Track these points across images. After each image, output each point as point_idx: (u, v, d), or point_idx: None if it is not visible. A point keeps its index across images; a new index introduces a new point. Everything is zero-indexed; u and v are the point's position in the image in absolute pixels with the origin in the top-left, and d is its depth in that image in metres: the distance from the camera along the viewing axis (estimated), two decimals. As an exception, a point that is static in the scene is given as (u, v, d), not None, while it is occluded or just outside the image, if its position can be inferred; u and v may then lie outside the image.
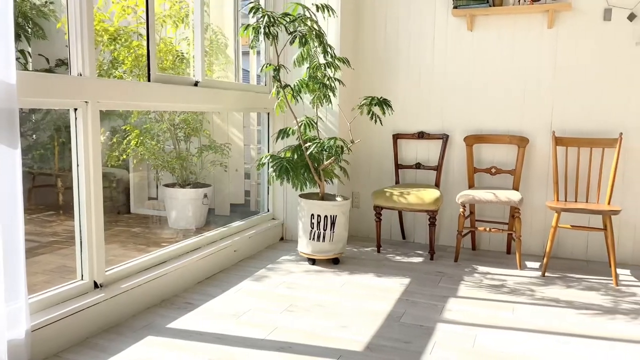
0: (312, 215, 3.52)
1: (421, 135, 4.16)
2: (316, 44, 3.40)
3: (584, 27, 3.68)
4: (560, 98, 3.79)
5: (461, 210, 3.68)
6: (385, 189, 3.85)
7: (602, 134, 3.71)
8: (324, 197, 3.71)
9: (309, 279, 3.33)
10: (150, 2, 2.87)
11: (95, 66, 2.50)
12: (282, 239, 4.27)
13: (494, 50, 3.93)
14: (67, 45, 2.45)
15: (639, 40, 3.56)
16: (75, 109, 2.44)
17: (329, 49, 3.46)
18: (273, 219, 4.26)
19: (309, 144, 3.53)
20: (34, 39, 4.81)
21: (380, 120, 3.55)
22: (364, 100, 3.54)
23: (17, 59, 4.15)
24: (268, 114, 4.17)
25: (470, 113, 4.04)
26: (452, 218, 4.17)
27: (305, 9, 3.40)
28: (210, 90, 3.39)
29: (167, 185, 4.59)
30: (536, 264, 3.70)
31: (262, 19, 3.19)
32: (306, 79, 3.53)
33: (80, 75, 2.44)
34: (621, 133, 3.54)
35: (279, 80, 3.41)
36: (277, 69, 3.37)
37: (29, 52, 4.85)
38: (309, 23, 3.34)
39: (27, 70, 4.72)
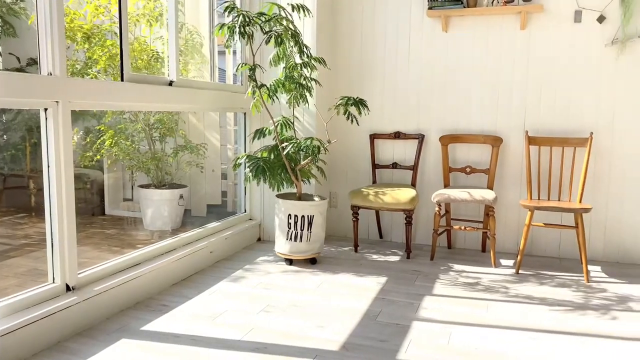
0: (289, 215, 3.51)
1: (397, 135, 4.19)
2: (292, 43, 3.40)
3: (556, 28, 3.75)
4: (533, 98, 3.85)
5: (437, 209, 3.72)
6: (362, 189, 3.87)
7: (573, 134, 3.78)
8: (301, 197, 3.71)
9: (286, 279, 3.32)
10: (122, 1, 2.83)
11: (66, 65, 2.46)
12: (259, 239, 4.26)
13: (468, 50, 3.98)
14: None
15: (608, 41, 3.64)
16: (46, 109, 2.39)
17: (305, 49, 3.46)
18: (250, 219, 4.24)
19: (285, 144, 3.53)
20: (5, 37, 4.70)
21: (356, 120, 3.56)
22: (340, 100, 3.55)
23: (-14, 57, 4.05)
24: (244, 113, 4.15)
25: (445, 113, 4.08)
26: (429, 217, 4.20)
27: (281, 9, 3.40)
28: (185, 90, 3.36)
29: (142, 186, 4.53)
30: (510, 262, 3.75)
31: (237, 19, 3.17)
32: (282, 78, 3.52)
33: (51, 74, 2.40)
34: (592, 133, 3.62)
35: (255, 80, 3.39)
36: (252, 69, 3.36)
37: (-1, 51, 4.74)
38: (284, 23, 3.34)
39: (-3, 69, 4.62)
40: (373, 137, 4.25)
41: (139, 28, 4.40)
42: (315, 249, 3.59)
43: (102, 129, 4.48)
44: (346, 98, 3.55)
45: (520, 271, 3.53)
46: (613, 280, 3.37)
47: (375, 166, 4.25)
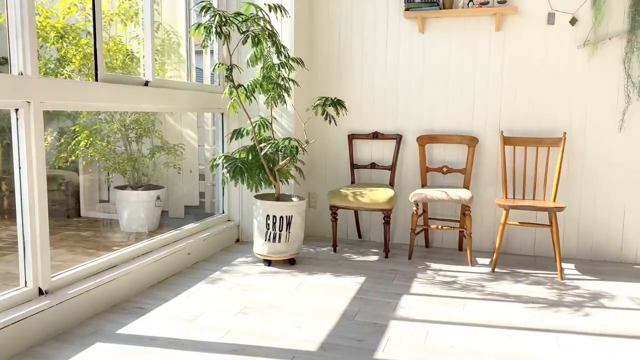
0: (268, 216, 3.50)
1: (376, 136, 4.21)
2: (269, 44, 3.39)
3: (530, 30, 3.81)
4: (508, 99, 3.91)
5: (414, 208, 3.75)
6: (341, 189, 3.88)
7: (547, 134, 3.85)
8: (280, 197, 3.71)
9: (264, 280, 3.31)
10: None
11: (38, 64, 2.41)
12: (237, 240, 4.24)
13: (444, 52, 4.02)
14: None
15: (581, 43, 3.71)
16: (17, 110, 2.34)
17: (282, 49, 3.46)
18: (228, 220, 4.21)
19: (263, 144, 3.52)
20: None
21: (334, 121, 3.57)
22: (318, 101, 3.56)
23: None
24: (222, 114, 4.13)
25: (422, 113, 4.11)
26: (407, 216, 4.23)
27: (258, 9, 3.39)
28: (162, 90, 3.33)
29: (118, 188, 4.47)
30: (486, 260, 3.80)
31: (213, 18, 3.15)
32: (260, 79, 3.51)
33: (22, 74, 2.35)
34: (565, 133, 3.69)
35: (232, 80, 3.38)
36: (229, 69, 3.34)
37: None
38: (261, 23, 3.33)
39: (-33, 68, 4.51)
40: (351, 137, 4.26)
41: (114, 27, 4.34)
42: (294, 250, 3.59)
43: (77, 129, 4.41)
44: (324, 98, 3.55)
45: (496, 269, 3.58)
46: (586, 278, 3.44)
47: (353, 166, 4.26)
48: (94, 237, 4.31)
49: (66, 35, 4.12)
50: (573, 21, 3.70)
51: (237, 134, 3.57)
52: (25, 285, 2.43)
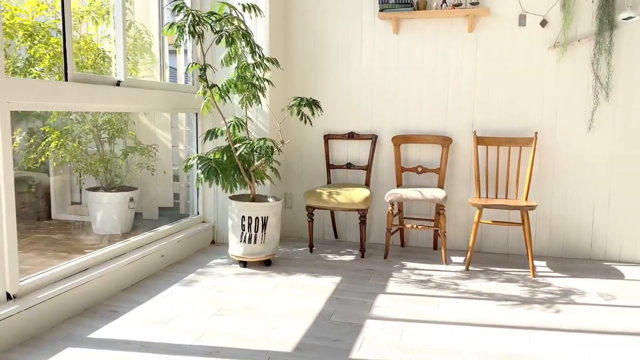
0: (243, 217, 3.48)
1: (351, 136, 4.22)
2: (243, 43, 3.37)
3: (502, 31, 3.87)
4: (481, 99, 3.96)
5: (390, 208, 3.77)
6: (317, 189, 3.88)
7: (519, 134, 3.91)
8: (255, 198, 3.69)
9: (240, 281, 3.29)
10: (65, -3, 2.74)
11: (5, 63, 2.35)
12: (213, 242, 4.20)
13: (418, 53, 4.05)
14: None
15: (551, 45, 3.79)
16: (-18, 110, 2.28)
17: (257, 49, 3.44)
18: (203, 222, 4.18)
19: (238, 144, 3.49)
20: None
21: (310, 121, 3.57)
22: (293, 101, 3.55)
23: None
24: (196, 114, 4.09)
25: (397, 114, 4.14)
26: (382, 216, 4.26)
27: (232, 9, 3.36)
28: (134, 90, 3.28)
29: (90, 189, 4.39)
30: (461, 259, 3.85)
31: (186, 18, 3.12)
32: (234, 78, 3.49)
33: (-13, 73, 2.29)
34: (536, 132, 3.76)
35: (206, 80, 3.35)
36: (203, 69, 3.31)
37: None
38: (235, 22, 3.31)
39: None
40: (327, 137, 4.27)
41: (85, 26, 4.26)
42: (270, 251, 3.57)
43: (47, 130, 4.32)
44: (299, 99, 3.55)
45: (470, 268, 3.63)
46: (557, 275, 3.50)
47: (329, 166, 4.27)
48: (66, 239, 4.23)
49: (35, 34, 4.03)
50: (543, 23, 3.77)
51: (212, 134, 3.54)
52: (-8, 290, 2.36)
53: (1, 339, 2.28)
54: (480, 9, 3.78)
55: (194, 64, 3.40)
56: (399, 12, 3.91)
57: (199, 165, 3.38)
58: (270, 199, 3.73)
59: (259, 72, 3.59)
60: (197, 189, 4.15)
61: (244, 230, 3.49)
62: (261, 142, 3.42)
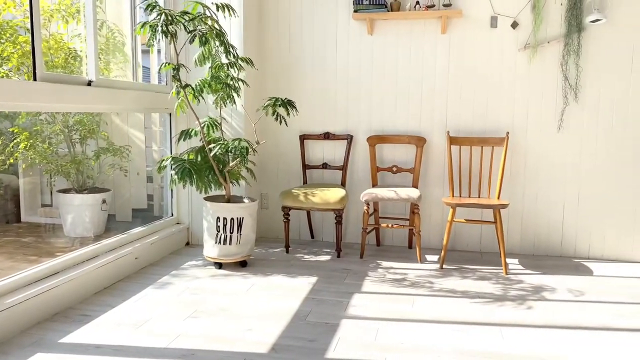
0: (218, 218, 3.46)
1: (327, 136, 4.23)
2: (217, 43, 3.35)
3: (474, 33, 3.93)
4: (454, 99, 4.01)
5: (365, 208, 3.79)
6: (293, 190, 3.88)
7: (491, 134, 3.98)
8: (231, 199, 3.67)
9: (215, 283, 3.27)
10: (34, -5, 2.68)
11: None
12: (187, 243, 4.16)
13: (393, 53, 4.08)
14: None
15: (522, 46, 3.86)
16: (-54, 110, 2.21)
17: (231, 49, 3.42)
18: (178, 223, 4.13)
19: (212, 145, 3.47)
20: None
21: (285, 121, 3.57)
22: (268, 101, 3.54)
23: None
24: (170, 114, 4.04)
25: (372, 114, 4.17)
26: (358, 216, 4.28)
27: (206, 8, 3.34)
28: (106, 90, 3.23)
29: (61, 191, 4.30)
30: (435, 257, 3.89)
31: (159, 17, 3.09)
32: (208, 78, 3.46)
33: (-49, 72, 2.22)
34: (508, 132, 3.82)
35: (179, 80, 3.32)
36: (176, 68, 3.28)
37: None
38: (209, 22, 3.28)
39: None
40: (303, 137, 4.27)
41: (55, 24, 4.17)
42: (246, 252, 3.56)
43: (15, 130, 4.22)
44: (274, 99, 3.54)
45: (444, 266, 3.67)
46: (529, 272, 3.57)
47: (305, 167, 4.27)
48: (36, 243, 4.14)
49: (2, 32, 3.93)
50: (514, 25, 3.84)
51: (185, 134, 3.51)
52: (-42, 296, 2.30)
53: (-32, 345, 2.22)
54: (452, 10, 3.83)
55: (167, 64, 3.37)
56: (373, 13, 3.93)
57: (173, 166, 3.35)
58: (245, 200, 3.71)
59: (234, 72, 3.57)
60: (171, 190, 4.11)
61: (219, 231, 3.46)
62: (236, 143, 3.40)
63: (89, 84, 3.14)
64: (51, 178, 4.63)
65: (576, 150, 3.86)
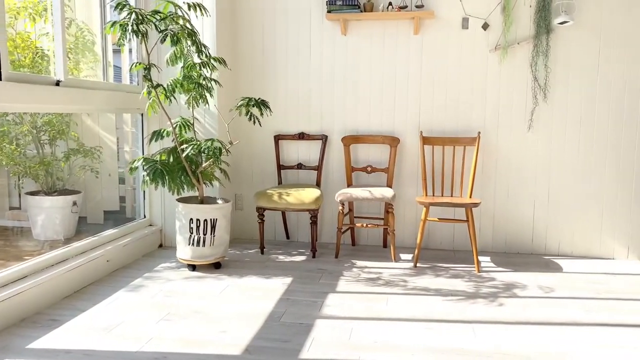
0: (191, 219, 3.42)
1: (302, 136, 4.23)
2: (189, 43, 3.32)
3: (446, 34, 3.97)
4: (427, 100, 4.05)
5: (340, 208, 3.80)
6: (268, 190, 3.86)
7: (463, 133, 4.03)
8: (204, 200, 3.63)
9: (188, 285, 3.23)
10: (-2, -8, 2.61)
11: None
12: (160, 245, 4.11)
13: (366, 54, 4.10)
14: None
15: (492, 47, 3.92)
16: None
17: (203, 49, 3.39)
18: (150, 225, 4.08)
19: (185, 145, 3.43)
20: None
21: (259, 122, 3.55)
22: (241, 101, 3.52)
23: None
24: (142, 114, 3.99)
25: (346, 114, 4.18)
26: (333, 216, 4.29)
27: (177, 8, 3.30)
28: (75, 90, 3.17)
29: (30, 193, 4.20)
30: (409, 256, 3.92)
31: (129, 16, 3.04)
32: (180, 78, 3.43)
33: None
34: (479, 132, 3.88)
35: (150, 80, 3.27)
36: (147, 68, 3.24)
37: None
38: (181, 22, 3.25)
39: None
40: (278, 138, 4.26)
41: (22, 23, 4.07)
42: (219, 253, 3.53)
43: (-19, 132, 4.10)
44: (247, 99, 3.53)
45: (418, 264, 3.71)
46: (500, 269, 3.63)
47: (280, 167, 4.26)
48: (3, 246, 4.03)
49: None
50: (485, 26, 3.90)
51: (157, 135, 3.47)
52: None
53: None
54: (425, 11, 3.87)
55: (137, 64, 3.32)
56: (346, 13, 3.94)
57: (145, 167, 3.30)
58: (219, 201, 3.68)
59: (206, 72, 3.54)
60: (144, 191, 4.05)
61: (192, 233, 3.43)
62: (209, 143, 3.37)
63: (58, 83, 3.08)
64: (19, 180, 4.52)
65: (545, 149, 3.93)
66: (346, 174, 4.11)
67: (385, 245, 4.18)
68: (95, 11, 4.35)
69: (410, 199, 4.15)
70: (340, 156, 4.23)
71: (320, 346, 2.42)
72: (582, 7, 3.76)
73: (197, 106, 3.59)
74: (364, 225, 3.84)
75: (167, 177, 3.29)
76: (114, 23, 3.09)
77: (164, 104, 3.42)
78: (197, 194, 3.89)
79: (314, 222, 3.82)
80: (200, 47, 3.35)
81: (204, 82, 3.48)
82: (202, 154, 3.47)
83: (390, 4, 3.93)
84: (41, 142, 4.22)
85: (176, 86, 3.40)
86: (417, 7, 3.91)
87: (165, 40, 3.17)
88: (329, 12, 3.98)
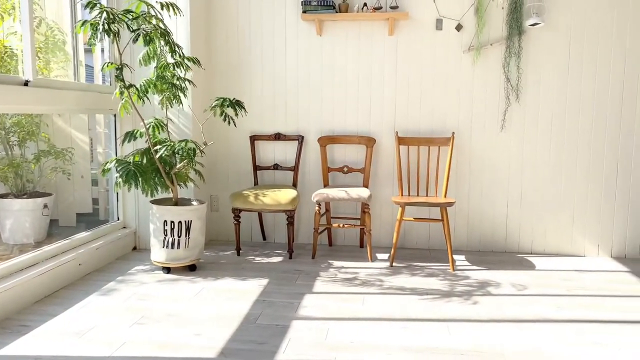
0: (165, 221, 3.38)
1: (278, 137, 4.21)
2: (162, 42, 3.27)
3: (420, 35, 4.01)
4: (402, 100, 4.08)
5: (317, 208, 3.80)
6: (244, 191, 3.84)
7: (438, 134, 4.07)
8: (178, 202, 3.59)
9: (162, 288, 3.19)
10: (-38, -10, 2.54)
11: None
12: (134, 248, 4.05)
13: (342, 54, 4.11)
14: None
15: (466, 48, 3.96)
16: None
17: (176, 48, 3.36)
18: (124, 227, 4.02)
19: (158, 146, 3.39)
20: None
21: (234, 122, 3.53)
22: (216, 102, 3.49)
23: None
24: (114, 115, 3.92)
25: (322, 115, 4.18)
26: (310, 216, 4.28)
27: (150, 7, 3.26)
28: (44, 90, 3.10)
29: (-1, 196, 4.09)
30: (385, 255, 3.94)
31: (100, 15, 2.99)
32: (154, 78, 3.38)
33: None
34: (453, 132, 3.92)
35: (123, 80, 3.22)
36: (119, 68, 3.19)
37: None
38: (153, 21, 3.21)
39: None
40: (253, 138, 4.24)
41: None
42: (194, 255, 3.49)
43: (-53, 133, 3.99)
44: (222, 99, 3.50)
45: (394, 264, 3.73)
46: (475, 268, 3.67)
47: (256, 168, 4.24)
48: (-29, 251, 3.92)
49: None
50: (458, 27, 3.94)
51: (130, 136, 3.42)
52: None
53: None
54: (399, 12, 3.89)
55: (109, 64, 3.27)
56: (321, 13, 3.94)
57: (117, 169, 3.25)
58: (194, 202, 3.65)
59: (180, 72, 3.50)
60: (117, 193, 3.99)
61: (166, 235, 3.39)
62: (183, 144, 3.33)
63: (26, 84, 3.00)
64: (-12, 183, 4.40)
65: (518, 149, 4.00)
66: (322, 174, 4.11)
67: (362, 245, 4.19)
68: (65, 10, 4.26)
69: (386, 199, 4.18)
70: (316, 156, 4.23)
71: (297, 347, 2.42)
72: (552, 9, 3.83)
73: (171, 107, 3.54)
74: (341, 225, 3.84)
75: (140, 179, 3.24)
76: (85, 22, 3.04)
77: (136, 105, 3.37)
78: (171, 195, 3.85)
79: (290, 222, 3.81)
80: (173, 47, 3.31)
81: (177, 83, 3.44)
82: (176, 155, 3.43)
83: (365, 4, 3.94)
84: (10, 143, 4.12)
85: (149, 86, 3.35)
86: (391, 8, 3.93)
87: (137, 40, 3.13)
88: (304, 12, 3.98)
